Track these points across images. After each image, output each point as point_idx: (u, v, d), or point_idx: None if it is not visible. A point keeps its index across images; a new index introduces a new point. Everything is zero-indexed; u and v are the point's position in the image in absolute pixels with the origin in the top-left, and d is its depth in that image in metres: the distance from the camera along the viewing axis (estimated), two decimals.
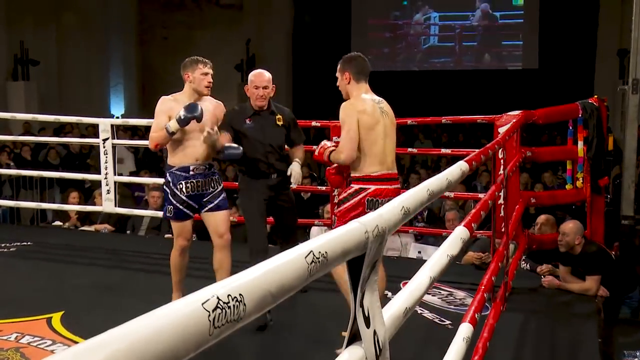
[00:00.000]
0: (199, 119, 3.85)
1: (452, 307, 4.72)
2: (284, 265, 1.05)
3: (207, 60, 4.09)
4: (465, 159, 2.89)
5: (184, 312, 0.78)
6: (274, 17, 17.94)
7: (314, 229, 6.53)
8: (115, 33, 17.02)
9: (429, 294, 4.82)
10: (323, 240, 1.23)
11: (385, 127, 3.64)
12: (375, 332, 1.53)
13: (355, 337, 1.50)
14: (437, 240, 6.68)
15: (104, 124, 6.24)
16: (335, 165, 3.73)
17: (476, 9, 16.94)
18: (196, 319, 0.79)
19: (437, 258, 2.24)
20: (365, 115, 3.56)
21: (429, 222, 7.38)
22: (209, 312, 0.81)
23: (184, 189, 3.96)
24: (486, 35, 17.10)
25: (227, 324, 0.84)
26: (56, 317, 4.04)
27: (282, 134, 4.28)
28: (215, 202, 4.03)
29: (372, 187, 3.56)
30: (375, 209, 3.52)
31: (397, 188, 3.69)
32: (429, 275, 2.06)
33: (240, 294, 0.89)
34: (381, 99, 3.75)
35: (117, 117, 15.47)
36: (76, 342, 3.64)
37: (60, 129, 12.78)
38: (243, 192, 4.30)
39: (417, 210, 1.91)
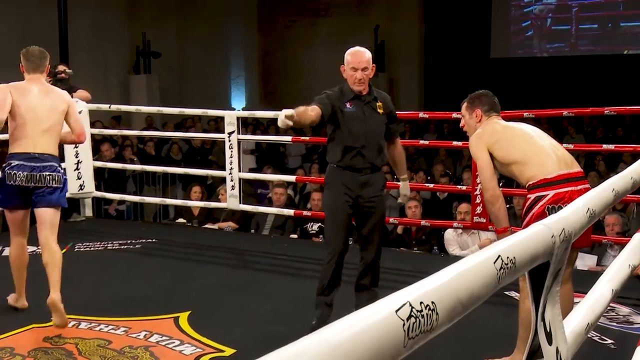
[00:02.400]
0: None
1: (614, 324, 4.45)
2: (473, 270, 0.98)
3: None
4: None
5: (377, 320, 0.73)
6: (404, 1, 17.78)
7: (447, 233, 6.36)
8: (235, 23, 17.50)
9: None
10: (509, 244, 1.16)
11: (528, 130, 3.48)
12: (557, 351, 1.43)
13: (534, 354, 1.41)
14: (593, 248, 6.34)
15: (230, 117, 6.40)
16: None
17: None
18: (391, 328, 0.74)
19: (616, 268, 2.09)
20: (494, 135, 3.43)
21: None
22: (403, 320, 0.76)
23: None
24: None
25: (421, 335, 0.79)
26: (183, 317, 4.17)
27: (382, 123, 4.03)
28: None
29: (551, 193, 3.26)
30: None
31: (587, 188, 3.23)
32: (610, 287, 1.93)
33: (432, 302, 0.83)
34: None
35: (240, 111, 15.90)
36: (204, 343, 3.74)
37: (181, 124, 13.30)
38: (329, 186, 4.03)
39: (602, 213, 1.79)
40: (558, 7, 16.68)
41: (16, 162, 4.05)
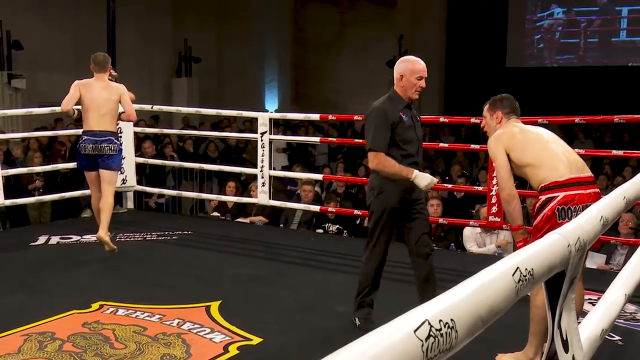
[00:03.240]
0: None
1: (621, 321, 4.30)
2: (492, 284, 0.90)
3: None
4: None
5: (395, 340, 0.66)
6: (427, 13, 17.64)
7: (466, 230, 6.26)
8: (270, 31, 17.51)
9: (591, 303, 4.45)
10: (526, 255, 1.07)
11: (543, 135, 3.36)
12: (574, 358, 1.34)
13: None
14: (602, 247, 6.19)
15: (263, 118, 6.35)
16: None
17: None
18: (409, 349, 0.66)
19: (629, 272, 1.99)
20: (512, 137, 3.31)
21: None
22: (422, 341, 0.68)
23: None
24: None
25: (440, 354, 0.72)
26: (214, 306, 4.12)
27: (422, 130, 3.99)
28: None
29: (561, 195, 3.16)
30: (570, 219, 3.18)
31: (596, 193, 3.20)
32: (623, 292, 1.83)
33: (451, 319, 0.75)
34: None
35: (272, 113, 15.89)
36: (232, 331, 3.69)
37: (217, 124, 13.31)
38: (384, 194, 3.80)
39: (614, 220, 1.69)
40: (567, 21, 16.51)
41: (85, 137, 5.29)
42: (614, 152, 5.67)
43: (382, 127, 3.70)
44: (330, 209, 6.58)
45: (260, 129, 6.31)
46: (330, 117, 6.47)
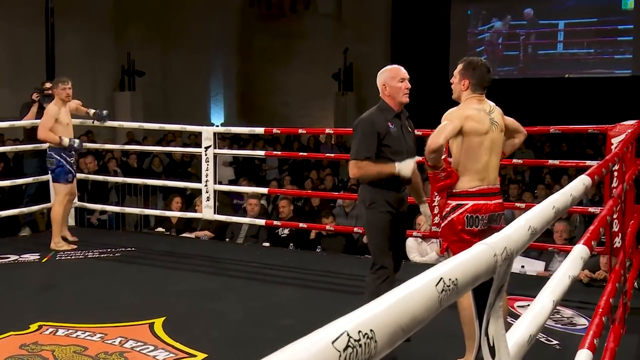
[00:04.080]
0: None
1: (559, 325, 4.44)
2: (414, 295, 0.94)
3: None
4: (587, 172, 2.68)
5: (313, 352, 0.68)
6: (372, 26, 17.89)
7: (409, 241, 6.32)
8: (216, 44, 17.47)
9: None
10: (451, 266, 1.11)
11: (493, 141, 3.45)
12: None
13: None
14: (540, 254, 6.37)
15: (207, 132, 6.33)
16: (438, 171, 3.45)
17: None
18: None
19: (558, 279, 2.06)
20: (472, 121, 3.39)
21: None
22: (339, 352, 0.70)
23: None
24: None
25: None
26: (158, 323, 4.07)
27: (414, 140, 3.94)
28: None
29: (470, 203, 3.40)
30: (476, 226, 3.36)
31: (499, 203, 3.52)
32: (551, 299, 1.89)
33: (371, 330, 0.78)
34: (494, 105, 3.55)
35: (217, 126, 15.82)
36: (177, 348, 3.65)
37: (162, 138, 13.18)
38: (375, 205, 3.75)
39: (543, 229, 1.76)
40: (508, 34, 16.98)
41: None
42: (551, 161, 5.86)
43: (368, 136, 3.70)
44: (275, 222, 6.59)
45: (205, 143, 6.28)
46: (274, 130, 6.49)
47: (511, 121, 3.70)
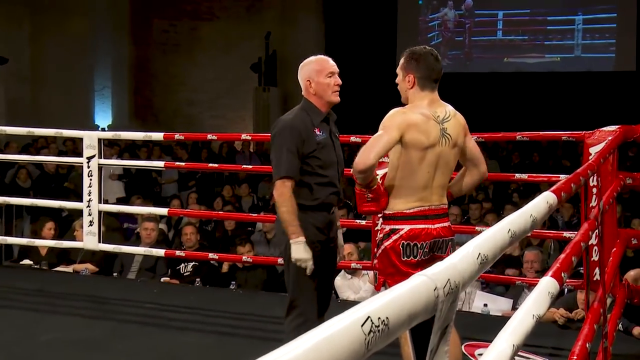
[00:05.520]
0: None
1: None
2: (335, 338, 0.98)
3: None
4: (552, 188, 2.80)
5: None
6: (301, 6, 18.00)
7: (337, 280, 6.32)
8: (102, 25, 17.24)
9: None
10: (381, 302, 1.17)
11: (441, 155, 3.49)
12: None
13: None
14: (508, 289, 6.55)
15: (90, 138, 6.25)
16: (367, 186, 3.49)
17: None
18: None
19: (519, 319, 2.15)
20: (414, 131, 3.42)
21: (497, 264, 7.25)
22: None
23: None
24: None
25: None
26: None
27: (341, 149, 4.02)
28: None
29: (406, 228, 3.46)
30: (415, 256, 3.44)
31: (445, 227, 3.56)
32: (511, 342, 1.98)
33: None
34: (451, 112, 3.58)
35: (104, 129, 15.62)
36: None
37: (31, 144, 12.89)
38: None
39: (496, 258, 1.84)
40: (455, 22, 18.18)
41: None
42: (517, 175, 6.01)
43: (289, 148, 3.70)
44: (178, 253, 6.58)
45: (87, 152, 6.21)
46: (177, 136, 6.49)
47: (473, 146, 3.72)
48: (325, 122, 3.86)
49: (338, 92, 3.85)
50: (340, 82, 3.86)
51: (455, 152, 3.58)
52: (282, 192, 3.68)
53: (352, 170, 3.43)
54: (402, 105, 3.61)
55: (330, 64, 3.87)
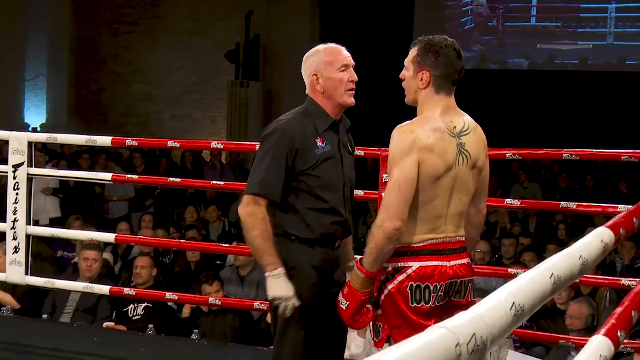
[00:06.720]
0: None
1: None
2: None
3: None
4: (609, 223, 2.82)
5: None
6: None
7: (352, 335, 6.35)
8: (36, 1, 17.24)
9: None
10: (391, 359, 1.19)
11: (458, 177, 3.50)
12: None
13: None
14: (549, 351, 6.55)
15: (18, 141, 6.26)
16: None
17: None
18: None
19: None
20: (429, 155, 3.41)
21: (535, 318, 7.22)
22: None
23: None
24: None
25: None
26: None
27: (353, 165, 3.98)
28: None
29: (415, 266, 3.44)
30: (427, 302, 3.44)
31: (464, 265, 3.56)
32: None
33: None
34: (471, 124, 3.58)
35: (36, 130, 15.59)
36: None
37: None
38: (292, 270, 3.73)
39: (535, 309, 1.86)
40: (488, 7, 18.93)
41: None
42: (564, 204, 5.87)
43: (280, 161, 3.69)
44: (127, 291, 6.57)
45: (13, 159, 6.22)
46: (129, 141, 6.50)
47: (486, 174, 3.71)
48: (334, 131, 3.82)
49: (353, 92, 3.82)
50: (356, 78, 3.84)
51: (475, 174, 3.59)
52: (253, 212, 3.65)
53: (372, 235, 3.42)
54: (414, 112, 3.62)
55: (345, 54, 3.84)
